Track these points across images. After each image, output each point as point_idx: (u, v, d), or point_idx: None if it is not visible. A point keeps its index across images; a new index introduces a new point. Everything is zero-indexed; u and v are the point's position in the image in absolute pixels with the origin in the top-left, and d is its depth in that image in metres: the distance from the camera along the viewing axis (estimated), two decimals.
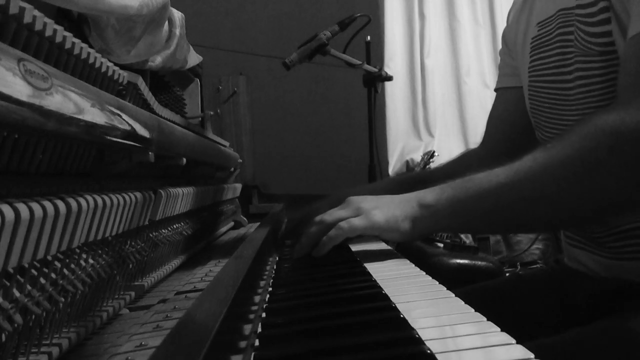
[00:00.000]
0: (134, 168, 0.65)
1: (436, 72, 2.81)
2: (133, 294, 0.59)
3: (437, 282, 0.56)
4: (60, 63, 0.47)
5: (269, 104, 2.67)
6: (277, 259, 0.82)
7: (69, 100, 0.40)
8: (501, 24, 2.80)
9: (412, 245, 1.90)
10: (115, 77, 0.59)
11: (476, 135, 2.68)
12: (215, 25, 2.76)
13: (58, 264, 0.42)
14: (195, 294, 0.61)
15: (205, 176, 1.12)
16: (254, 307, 0.50)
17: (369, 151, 2.02)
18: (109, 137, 0.48)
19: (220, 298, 0.39)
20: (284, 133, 2.78)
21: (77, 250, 0.45)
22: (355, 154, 2.39)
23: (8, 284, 0.36)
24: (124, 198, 0.51)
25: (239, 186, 1.38)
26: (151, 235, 0.66)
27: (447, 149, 2.64)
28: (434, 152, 2.49)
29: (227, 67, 2.28)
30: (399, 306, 0.45)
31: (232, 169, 1.37)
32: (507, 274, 2.00)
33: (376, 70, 1.90)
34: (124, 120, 0.51)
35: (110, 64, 0.57)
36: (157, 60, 0.89)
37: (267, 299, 0.54)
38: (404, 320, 0.41)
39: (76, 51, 0.48)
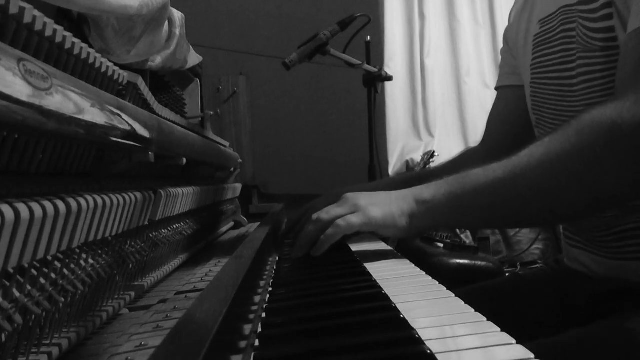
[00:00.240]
0: (134, 168, 0.65)
1: (436, 72, 2.81)
2: (133, 294, 0.59)
3: (437, 282, 0.56)
4: (60, 63, 0.47)
5: (269, 104, 2.67)
6: (277, 259, 0.82)
7: (69, 100, 0.40)
8: (501, 24, 2.82)
9: (412, 245, 1.90)
10: (115, 77, 0.59)
11: (476, 135, 2.69)
12: (215, 25, 2.75)
13: (58, 264, 0.42)
14: (195, 294, 0.61)
15: (205, 176, 1.12)
16: (254, 307, 0.50)
17: (369, 151, 2.02)
18: (109, 137, 0.48)
19: (220, 298, 0.39)
20: (284, 133, 2.78)
21: (77, 250, 0.45)
22: (355, 154, 2.39)
23: (8, 284, 0.36)
24: (124, 198, 0.51)
25: (239, 186, 1.38)
26: (151, 235, 0.66)
27: (447, 149, 2.64)
28: (434, 152, 2.49)
29: (227, 67, 2.29)
30: (399, 306, 0.45)
31: (232, 169, 1.37)
32: (507, 274, 2.00)
33: (376, 70, 1.90)
34: (124, 120, 0.51)
35: (110, 64, 0.57)
36: (157, 60, 0.89)
37: (267, 299, 0.54)
38: (404, 320, 0.41)
39: (76, 51, 0.48)
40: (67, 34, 0.46)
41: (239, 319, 0.41)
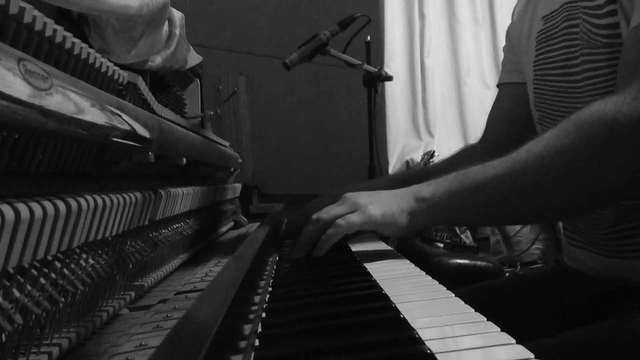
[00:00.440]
0: (134, 168, 0.65)
1: (436, 72, 2.81)
2: (133, 294, 0.59)
3: (437, 282, 0.56)
4: (60, 63, 0.47)
5: (269, 104, 2.67)
6: (277, 259, 0.82)
7: (69, 100, 0.40)
8: (501, 24, 2.82)
9: (412, 245, 1.90)
10: (115, 77, 0.59)
11: (476, 135, 2.68)
12: (215, 25, 2.75)
13: (58, 264, 0.42)
14: (195, 294, 0.61)
15: (205, 176, 1.12)
16: (254, 307, 0.50)
17: (369, 151, 2.02)
18: (109, 137, 0.48)
19: (220, 298, 0.39)
20: (284, 133, 2.78)
21: (77, 250, 0.45)
22: (355, 154, 2.39)
23: (8, 284, 0.36)
24: (124, 198, 0.51)
25: (239, 186, 1.38)
26: (151, 235, 0.66)
27: (447, 149, 2.64)
28: (434, 152, 2.49)
29: (227, 67, 2.28)
30: (399, 306, 0.45)
31: (232, 169, 1.37)
32: (507, 274, 2.00)
33: (376, 70, 1.90)
34: (124, 120, 0.51)
35: (110, 64, 0.57)
36: (157, 60, 0.89)
37: (267, 299, 0.54)
38: (404, 320, 0.41)
39: (76, 51, 0.48)
40: (67, 34, 0.46)
41: (239, 319, 0.41)
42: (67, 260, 0.44)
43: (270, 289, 0.59)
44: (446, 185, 0.70)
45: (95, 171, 0.55)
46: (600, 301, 0.76)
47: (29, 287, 0.38)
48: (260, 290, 0.57)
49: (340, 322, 0.43)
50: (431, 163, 2.30)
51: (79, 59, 0.49)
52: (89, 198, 0.43)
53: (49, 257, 0.40)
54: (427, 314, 0.44)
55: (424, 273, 0.62)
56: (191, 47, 1.09)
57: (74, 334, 0.44)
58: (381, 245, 0.90)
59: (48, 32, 0.43)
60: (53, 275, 0.41)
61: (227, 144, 1.38)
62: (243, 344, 0.39)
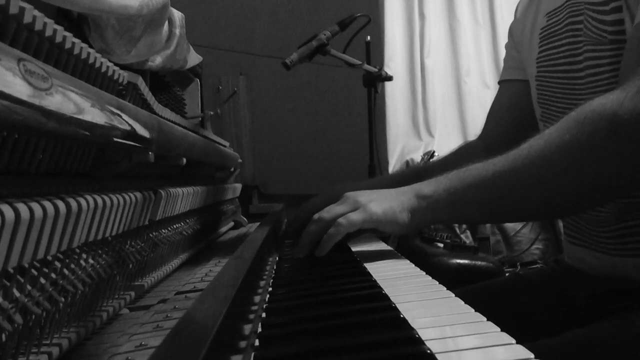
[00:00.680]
0: (134, 168, 0.65)
1: (436, 72, 2.81)
2: (133, 294, 0.59)
3: (437, 282, 0.56)
4: (60, 63, 0.47)
5: (269, 104, 2.67)
6: (277, 259, 0.82)
7: (69, 100, 0.40)
8: (501, 24, 2.82)
9: (412, 245, 1.90)
10: (115, 77, 0.59)
11: (476, 135, 2.67)
12: (215, 25, 2.75)
13: (58, 264, 0.42)
14: (195, 294, 0.61)
15: (205, 176, 1.12)
16: (254, 307, 0.50)
17: (369, 151, 2.02)
18: (109, 137, 0.48)
19: (220, 298, 0.39)
20: (284, 133, 2.78)
21: (77, 250, 0.45)
22: (355, 154, 2.39)
23: (8, 284, 0.36)
24: (124, 198, 0.51)
25: (239, 186, 1.38)
26: (151, 235, 0.66)
27: (447, 149, 2.62)
28: (434, 152, 2.49)
29: (227, 67, 2.29)
30: (399, 306, 0.45)
31: (232, 169, 1.37)
32: (507, 274, 2.00)
33: (376, 70, 1.90)
34: (124, 120, 0.51)
35: (110, 64, 0.57)
36: (157, 60, 0.89)
37: (267, 299, 0.54)
38: (404, 320, 0.41)
39: (76, 51, 0.48)
40: (67, 34, 0.46)
41: (239, 319, 0.41)
42: (67, 260, 0.44)
43: (270, 289, 0.59)
44: (447, 182, 0.70)
45: (95, 171, 0.55)
46: (600, 301, 0.76)
47: (29, 287, 0.38)
48: (260, 290, 0.57)
49: (340, 322, 0.43)
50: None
51: (79, 59, 0.49)
52: (89, 198, 0.43)
53: (49, 257, 0.40)
54: (427, 314, 0.44)
55: (424, 273, 0.62)
56: (191, 47, 1.09)
57: (74, 334, 0.44)
58: (381, 246, 0.90)
59: (48, 32, 0.43)
60: (53, 275, 0.41)
61: (227, 144, 1.38)
62: (243, 344, 0.39)
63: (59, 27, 0.44)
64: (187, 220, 0.84)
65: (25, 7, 0.39)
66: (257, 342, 0.40)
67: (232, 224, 1.32)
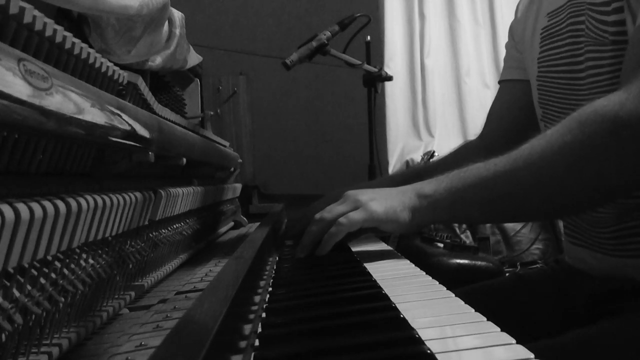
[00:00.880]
0: (134, 168, 0.65)
1: (436, 72, 2.81)
2: (133, 294, 0.59)
3: (437, 282, 0.56)
4: (60, 63, 0.47)
5: (269, 104, 2.67)
6: (277, 259, 0.82)
7: (69, 100, 0.40)
8: (501, 24, 2.81)
9: (412, 245, 1.90)
10: (115, 77, 0.59)
11: (476, 135, 2.67)
12: (215, 25, 2.75)
13: (58, 264, 0.42)
14: (195, 294, 0.61)
15: (205, 176, 1.12)
16: (254, 307, 0.50)
17: (369, 151, 2.02)
18: (109, 137, 0.48)
19: (220, 298, 0.39)
20: (284, 133, 2.78)
21: (77, 250, 0.45)
22: (355, 154, 2.39)
23: (8, 284, 0.36)
24: (124, 198, 0.51)
25: (239, 186, 1.38)
26: (151, 235, 0.66)
27: (447, 149, 2.62)
28: (434, 152, 2.49)
29: (227, 67, 2.28)
30: (399, 306, 0.45)
31: (232, 169, 1.37)
32: (507, 274, 2.00)
33: (376, 70, 1.90)
34: (124, 120, 0.51)
35: (110, 64, 0.57)
36: (157, 60, 0.89)
37: (267, 299, 0.54)
38: (404, 320, 0.41)
39: (76, 51, 0.48)
40: (67, 34, 0.46)
41: (239, 319, 0.41)
42: (67, 260, 0.44)
43: (270, 289, 0.59)
44: (448, 182, 0.70)
45: (95, 171, 0.55)
46: (600, 301, 0.76)
47: (29, 287, 0.38)
48: (260, 290, 0.57)
49: (340, 322, 0.43)
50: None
51: (79, 59, 0.49)
52: (89, 198, 0.43)
53: (49, 257, 0.40)
54: (427, 314, 0.44)
55: (424, 273, 0.62)
56: (191, 47, 1.09)
57: (74, 334, 0.44)
58: (381, 246, 0.90)
59: (48, 32, 0.43)
60: (53, 275, 0.41)
61: (227, 144, 1.38)
62: (243, 344, 0.39)
63: (59, 27, 0.44)
64: (187, 220, 0.84)
65: (25, 7, 0.39)
66: (257, 342, 0.40)
67: (232, 224, 1.32)
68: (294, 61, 1.67)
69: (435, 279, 0.57)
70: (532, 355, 0.33)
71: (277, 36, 2.70)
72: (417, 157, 2.64)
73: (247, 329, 0.43)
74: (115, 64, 0.60)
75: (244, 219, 1.38)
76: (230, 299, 0.38)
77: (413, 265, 0.68)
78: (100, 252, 0.50)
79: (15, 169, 0.41)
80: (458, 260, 1.83)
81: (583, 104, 0.62)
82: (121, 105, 0.51)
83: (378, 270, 0.65)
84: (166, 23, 0.88)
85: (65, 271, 0.43)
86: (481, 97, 2.81)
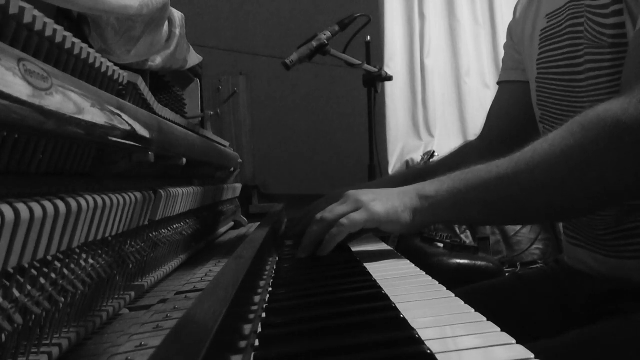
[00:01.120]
0: (134, 168, 0.65)
1: (436, 72, 2.81)
2: (133, 294, 0.59)
3: (437, 282, 0.56)
4: (60, 63, 0.47)
5: (269, 104, 2.67)
6: (277, 259, 0.82)
7: (69, 100, 0.40)
8: (501, 24, 2.81)
9: (412, 245, 1.90)
10: (115, 77, 0.59)
11: (476, 135, 2.67)
12: (215, 25, 2.75)
13: (58, 264, 0.42)
14: (195, 294, 0.61)
15: (205, 176, 1.12)
16: (254, 307, 0.50)
17: (369, 151, 2.01)
18: (109, 137, 0.48)
19: (220, 298, 0.39)
20: (284, 133, 2.78)
21: (77, 250, 0.45)
22: (355, 154, 2.39)
23: (8, 284, 0.36)
24: (124, 198, 0.51)
25: (239, 186, 1.38)
26: (151, 235, 0.66)
27: (447, 149, 2.61)
28: (434, 152, 2.49)
29: (227, 67, 2.28)
30: (398, 306, 0.45)
31: (232, 169, 1.37)
32: (507, 274, 2.00)
33: (376, 70, 1.90)
34: (124, 120, 0.51)
35: (110, 64, 0.57)
36: (157, 60, 0.89)
37: (267, 299, 0.54)
38: (404, 320, 0.41)
39: (76, 51, 0.48)
40: (67, 34, 0.46)
41: (239, 319, 0.41)
42: (67, 260, 0.44)
43: (270, 289, 0.59)
44: (450, 183, 0.70)
45: (95, 171, 0.55)
46: (600, 301, 0.76)
47: (29, 287, 0.38)
48: (260, 290, 0.57)
49: (340, 322, 0.43)
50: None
51: (79, 59, 0.49)
52: (89, 198, 0.43)
53: (49, 257, 0.40)
54: (427, 314, 0.44)
55: (424, 273, 0.62)
56: (191, 47, 1.09)
57: (74, 334, 0.44)
58: (381, 246, 0.90)
59: (48, 32, 0.43)
60: (53, 275, 0.41)
61: (227, 144, 1.38)
62: (243, 344, 0.39)
63: (59, 27, 0.44)
64: (187, 220, 0.84)
65: (25, 7, 0.39)
66: (257, 342, 0.40)
67: (232, 224, 1.32)
68: (294, 61, 1.66)
69: (435, 279, 0.57)
70: (532, 355, 0.33)
71: (277, 36, 2.70)
72: (417, 157, 2.64)
73: (247, 329, 0.43)
74: (115, 64, 0.60)
75: (244, 219, 1.38)
76: (230, 299, 0.38)
77: (413, 265, 0.68)
78: (100, 252, 0.50)
79: (15, 169, 0.41)
80: (458, 260, 1.83)
81: (582, 106, 0.62)
82: (121, 105, 0.51)
83: (378, 270, 0.65)
84: (166, 23, 0.89)
85: (65, 271, 0.43)
86: (481, 97, 2.81)
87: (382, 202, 0.71)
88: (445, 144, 2.74)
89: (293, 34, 2.13)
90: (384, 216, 0.70)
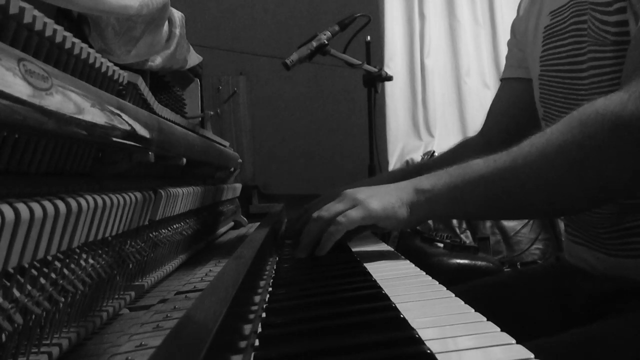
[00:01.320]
0: (134, 168, 0.65)
1: (436, 72, 2.81)
2: (133, 294, 0.59)
3: (437, 282, 0.56)
4: (60, 63, 0.47)
5: (269, 104, 2.67)
6: (277, 259, 0.82)
7: (69, 100, 0.40)
8: (501, 24, 2.81)
9: (412, 245, 1.90)
10: (115, 77, 0.59)
11: (476, 132, 2.67)
12: (215, 25, 2.75)
13: (58, 264, 0.42)
14: (195, 294, 0.61)
15: (205, 176, 1.12)
16: (254, 307, 0.50)
17: (369, 151, 2.02)
18: (109, 137, 0.48)
19: (220, 298, 0.39)
20: (284, 133, 2.77)
21: (77, 250, 0.45)
22: (355, 154, 2.39)
23: (8, 284, 0.36)
24: (124, 198, 0.51)
25: (239, 186, 1.38)
26: (151, 235, 0.66)
27: (447, 148, 2.63)
28: (434, 152, 2.49)
29: (227, 67, 2.28)
30: (398, 306, 0.45)
31: (232, 169, 1.37)
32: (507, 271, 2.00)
33: (376, 70, 1.90)
34: (124, 120, 0.51)
35: (110, 64, 0.57)
36: (157, 60, 0.89)
37: (267, 299, 0.54)
38: (404, 320, 0.41)
39: (76, 51, 0.48)
40: (67, 34, 0.46)
41: (239, 319, 0.41)
42: (67, 260, 0.44)
43: (270, 289, 0.59)
44: (447, 177, 0.70)
45: (95, 171, 0.55)
46: (600, 300, 0.76)
47: (29, 287, 0.38)
48: (260, 290, 0.57)
49: (340, 322, 0.43)
50: None
51: (79, 59, 0.49)
52: (89, 198, 0.43)
53: (49, 257, 0.40)
54: (427, 314, 0.44)
55: (424, 273, 0.62)
56: (191, 47, 1.09)
57: (74, 334, 0.44)
58: (381, 246, 0.90)
59: (48, 32, 0.43)
60: (53, 275, 0.41)
61: (227, 144, 1.38)
62: (243, 344, 0.39)
63: (59, 27, 0.44)
64: (187, 220, 0.84)
65: (25, 7, 0.39)
66: (257, 342, 0.40)
67: (232, 224, 1.32)
68: (294, 61, 1.66)
69: (435, 279, 0.57)
70: (531, 355, 0.33)
71: (277, 36, 2.70)
72: (417, 157, 2.64)
73: (247, 329, 0.43)
74: (115, 64, 0.60)
75: (244, 219, 1.38)
76: (230, 299, 0.38)
77: (413, 265, 0.68)
78: (100, 252, 0.50)
79: (15, 169, 0.41)
80: (458, 260, 1.83)
81: (584, 104, 0.62)
82: (121, 105, 0.51)
83: (378, 270, 0.65)
84: (166, 23, 0.88)
85: (65, 271, 0.43)
86: (481, 97, 2.81)
87: (378, 198, 0.71)
88: (445, 144, 2.73)
89: (293, 34, 2.13)
90: (380, 212, 0.70)
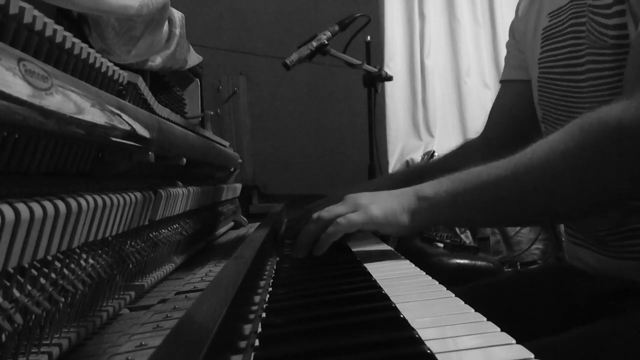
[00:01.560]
0: (134, 168, 0.65)
1: (436, 72, 2.81)
2: (133, 294, 0.59)
3: (437, 282, 0.56)
4: (60, 63, 0.47)
5: (269, 104, 2.67)
6: (277, 259, 0.82)
7: (69, 100, 0.40)
8: (501, 24, 2.81)
9: (412, 245, 1.90)
10: (115, 77, 0.59)
11: (476, 135, 2.67)
12: (215, 25, 2.75)
13: (58, 264, 0.42)
14: (195, 294, 0.61)
15: (205, 176, 1.12)
16: (254, 307, 0.50)
17: (369, 151, 2.01)
18: (109, 137, 0.48)
19: (220, 298, 0.39)
20: (284, 133, 2.77)
21: (77, 250, 0.45)
22: (355, 154, 2.39)
23: (8, 284, 0.36)
24: (124, 198, 0.51)
25: (239, 186, 1.38)
26: (151, 235, 0.66)
27: (447, 148, 2.61)
28: (434, 152, 2.49)
29: (227, 67, 2.28)
30: (398, 306, 0.45)
31: (232, 169, 1.37)
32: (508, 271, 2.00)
33: (376, 70, 1.90)
34: (124, 120, 0.51)
35: (110, 64, 0.57)
36: (157, 60, 0.89)
37: (267, 299, 0.54)
38: (404, 320, 0.41)
39: (76, 51, 0.48)
40: (67, 34, 0.46)
41: (239, 319, 0.41)
42: (67, 260, 0.44)
43: (270, 289, 0.59)
44: (448, 184, 0.70)
45: (95, 171, 0.55)
46: (601, 300, 0.76)
47: (29, 287, 0.38)
48: (260, 290, 0.57)
49: (340, 322, 0.43)
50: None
51: (79, 59, 0.49)
52: (89, 198, 0.43)
53: (49, 257, 0.40)
54: (427, 314, 0.44)
55: (424, 273, 0.62)
56: (191, 47, 1.09)
57: (74, 334, 0.44)
58: (381, 246, 0.90)
59: (48, 32, 0.43)
60: (53, 275, 0.41)
61: (227, 144, 1.38)
62: (243, 344, 0.39)
63: (59, 27, 0.44)
64: (187, 220, 0.84)
65: (25, 7, 0.39)
66: (257, 342, 0.40)
67: (232, 224, 1.32)
68: (294, 61, 1.66)
69: (435, 279, 0.57)
70: (532, 355, 0.33)
71: (277, 36, 2.70)
72: (417, 157, 2.64)
73: (247, 329, 0.43)
74: (115, 64, 0.60)
75: (244, 219, 1.38)
76: (230, 299, 0.38)
77: (413, 265, 0.68)
78: (100, 252, 0.50)
79: (15, 169, 0.41)
80: (458, 260, 1.83)
81: (582, 107, 0.62)
82: (121, 105, 0.51)
83: (378, 270, 0.65)
84: (166, 23, 0.88)
85: (65, 271, 0.43)
86: (481, 97, 2.81)
87: (380, 204, 0.71)
88: (445, 144, 2.73)
89: (293, 34, 2.12)
90: (382, 218, 0.70)
